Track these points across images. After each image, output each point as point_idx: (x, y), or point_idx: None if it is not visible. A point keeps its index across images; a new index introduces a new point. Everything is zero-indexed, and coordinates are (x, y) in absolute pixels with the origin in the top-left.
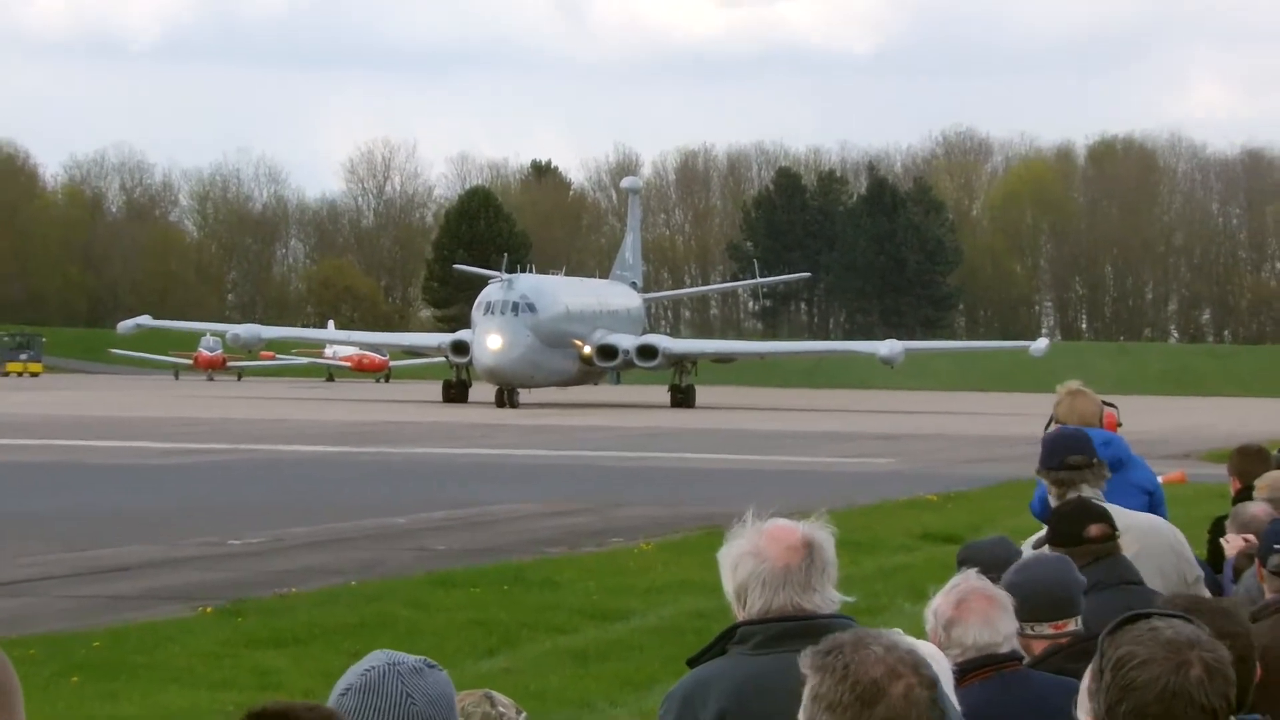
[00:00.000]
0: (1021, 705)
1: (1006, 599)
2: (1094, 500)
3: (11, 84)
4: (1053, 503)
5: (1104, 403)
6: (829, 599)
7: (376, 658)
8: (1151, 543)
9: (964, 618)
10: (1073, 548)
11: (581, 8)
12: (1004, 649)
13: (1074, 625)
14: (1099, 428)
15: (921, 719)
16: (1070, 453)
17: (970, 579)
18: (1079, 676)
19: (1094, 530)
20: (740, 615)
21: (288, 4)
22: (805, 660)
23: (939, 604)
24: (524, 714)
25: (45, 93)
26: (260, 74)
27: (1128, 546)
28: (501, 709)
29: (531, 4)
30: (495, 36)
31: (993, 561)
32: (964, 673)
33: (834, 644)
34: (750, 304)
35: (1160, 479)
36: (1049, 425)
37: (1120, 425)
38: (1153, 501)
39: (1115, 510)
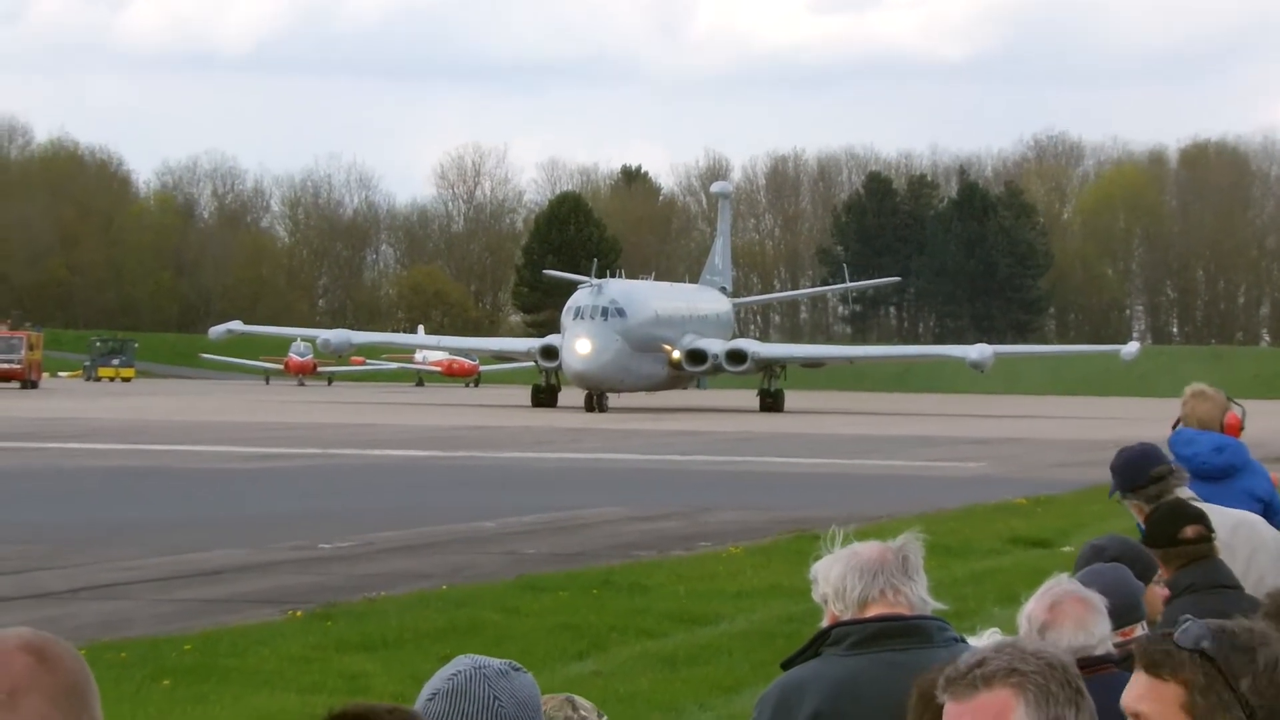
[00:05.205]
0: (1119, 707)
1: (1100, 601)
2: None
3: (105, 94)
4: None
5: (1231, 400)
6: (923, 597)
7: (461, 662)
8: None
9: (1058, 621)
10: (1168, 549)
11: (675, 20)
12: (1098, 651)
13: (1140, 630)
14: (1218, 431)
15: None
16: (1149, 465)
17: (1063, 582)
18: None
19: (1189, 532)
20: (836, 612)
21: (379, 18)
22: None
23: (1032, 608)
24: (604, 717)
25: (138, 102)
26: (351, 84)
27: (1241, 546)
28: (584, 713)
29: (625, 18)
30: (587, 49)
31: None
32: None
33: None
34: (840, 308)
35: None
36: (1176, 425)
37: (1243, 429)
38: (1267, 510)
39: (1216, 510)
